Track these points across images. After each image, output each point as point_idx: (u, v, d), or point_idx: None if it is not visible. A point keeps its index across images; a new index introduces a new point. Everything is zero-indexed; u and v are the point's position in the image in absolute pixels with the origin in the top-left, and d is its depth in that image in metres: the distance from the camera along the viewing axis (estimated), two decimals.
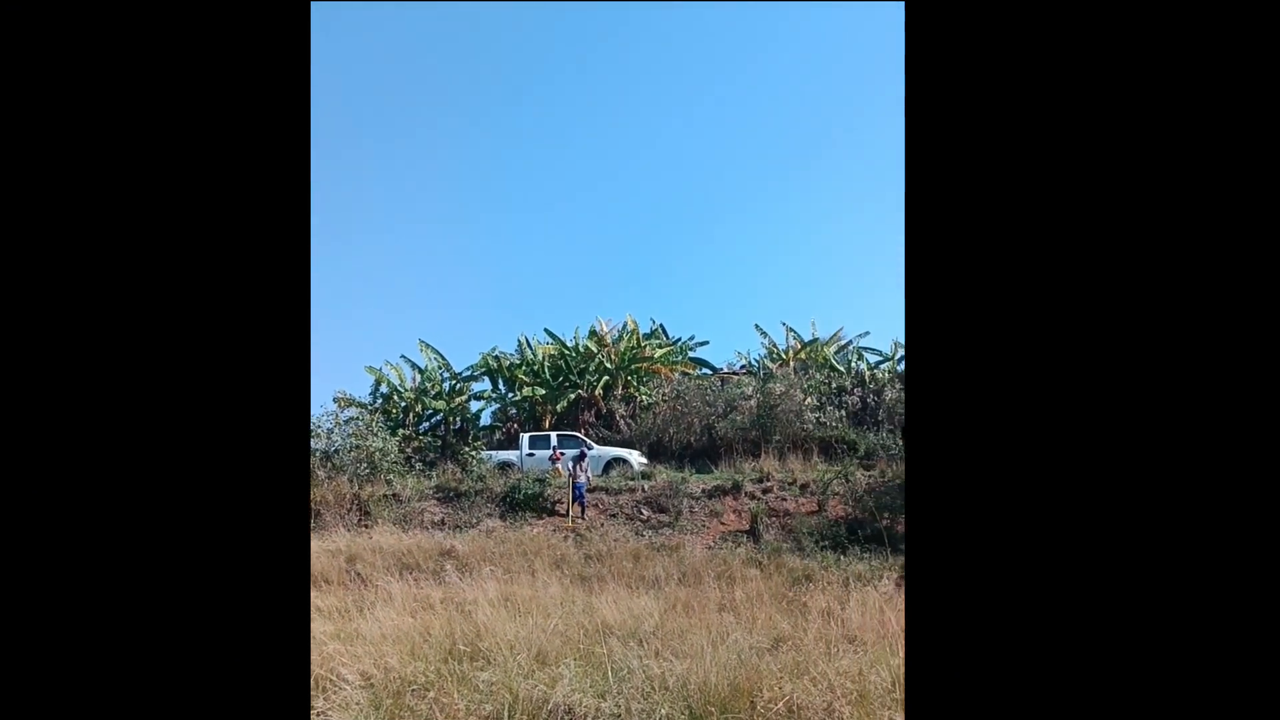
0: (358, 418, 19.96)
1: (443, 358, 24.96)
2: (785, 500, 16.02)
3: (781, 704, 4.85)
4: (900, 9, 2.27)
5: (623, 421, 22.66)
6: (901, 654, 6.01)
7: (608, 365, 23.96)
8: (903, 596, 10.43)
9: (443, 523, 15.60)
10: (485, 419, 25.18)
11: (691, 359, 26.26)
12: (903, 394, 22.13)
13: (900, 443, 18.23)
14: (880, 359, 25.95)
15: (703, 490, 16.51)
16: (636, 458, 19.01)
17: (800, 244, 62.41)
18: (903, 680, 5.34)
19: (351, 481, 17.07)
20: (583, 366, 24.06)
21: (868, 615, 8.33)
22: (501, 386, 25.15)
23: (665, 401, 22.52)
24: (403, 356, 25.01)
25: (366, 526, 15.19)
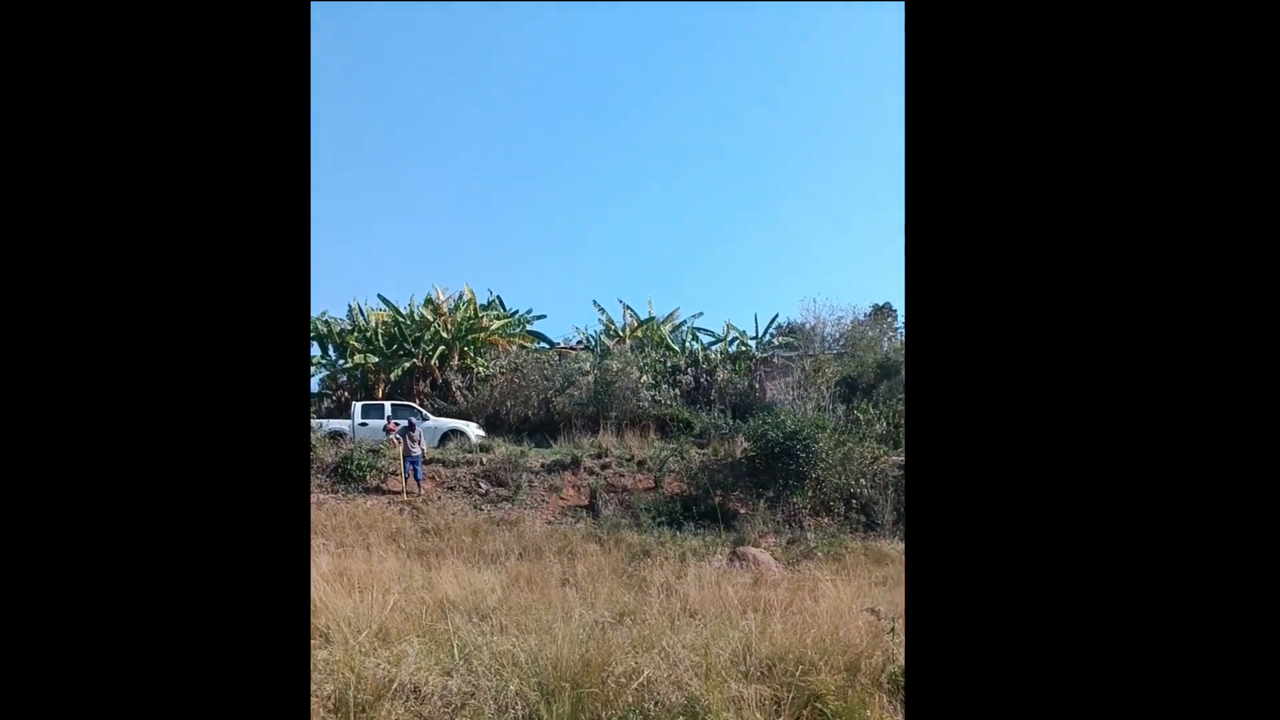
0: None
1: None
2: (623, 476, 16.27)
3: (638, 680, 4.93)
4: (900, 9, 2.24)
5: (459, 393, 22.21)
6: (741, 626, 6.25)
7: (444, 335, 23.39)
8: (735, 570, 10.85)
9: None
10: (314, 386, 24.09)
11: (529, 332, 26.08)
12: (732, 375, 22.87)
13: (731, 422, 18.84)
14: (713, 340, 26.67)
15: (542, 465, 16.49)
16: (474, 430, 18.72)
17: (638, 221, 63.12)
18: (745, 652, 5.57)
19: None
20: (418, 335, 23.39)
21: (705, 589, 8.60)
22: (332, 353, 24.09)
23: (503, 374, 22.27)
24: None
25: None
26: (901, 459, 16.43)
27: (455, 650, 5.64)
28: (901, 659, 5.19)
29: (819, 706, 4.78)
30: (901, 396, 20.01)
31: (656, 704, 4.75)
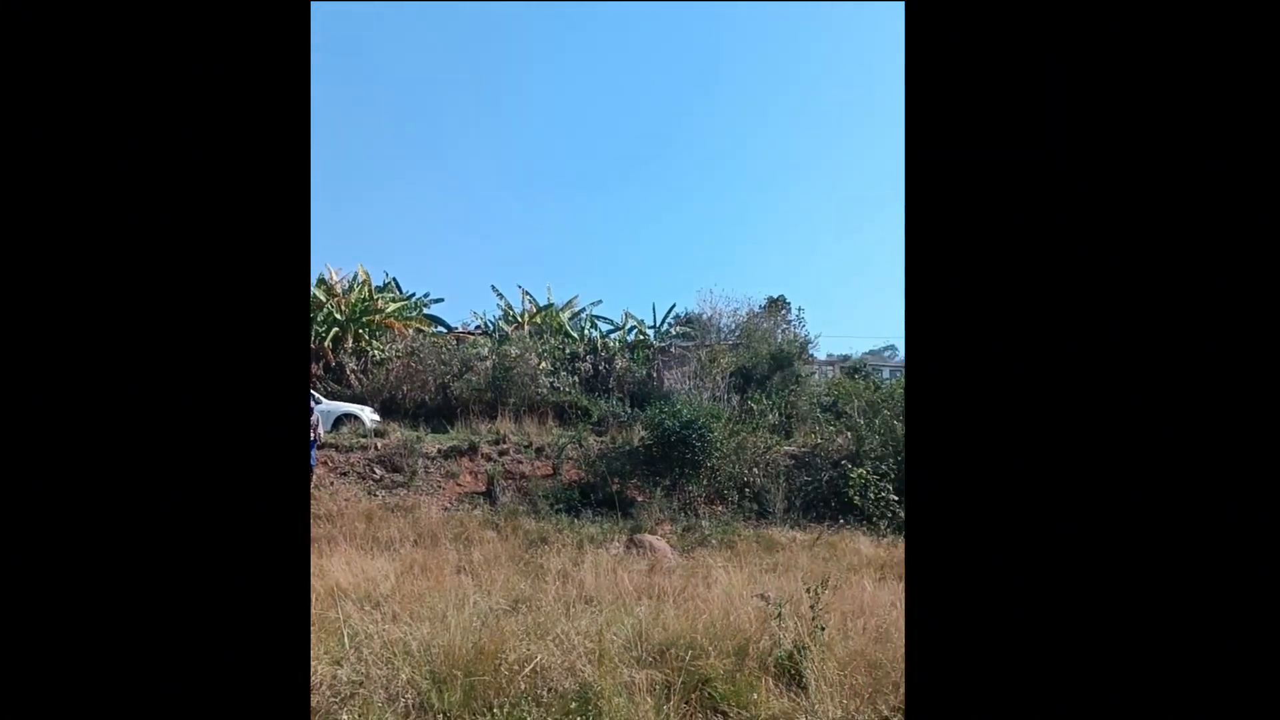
0: None
1: None
2: (521, 463, 16.20)
3: (531, 666, 4.97)
4: (900, 9, 2.26)
5: (354, 376, 21.67)
6: (636, 612, 6.36)
7: (338, 316, 22.74)
8: (632, 557, 10.97)
9: None
10: None
11: (426, 316, 25.67)
12: (630, 364, 23.05)
13: (630, 410, 19.01)
14: (612, 328, 26.81)
15: (438, 450, 16.26)
16: (369, 414, 18.31)
17: (537, 207, 62.71)
18: (638, 638, 5.67)
19: None
20: (310, 316, 22.70)
21: (601, 576, 8.66)
22: None
23: (399, 358, 21.85)
24: None
25: None
26: (792, 449, 16.92)
27: (345, 639, 5.56)
28: (788, 643, 5.39)
29: (708, 690, 4.91)
30: (793, 387, 20.58)
31: (549, 690, 4.79)
